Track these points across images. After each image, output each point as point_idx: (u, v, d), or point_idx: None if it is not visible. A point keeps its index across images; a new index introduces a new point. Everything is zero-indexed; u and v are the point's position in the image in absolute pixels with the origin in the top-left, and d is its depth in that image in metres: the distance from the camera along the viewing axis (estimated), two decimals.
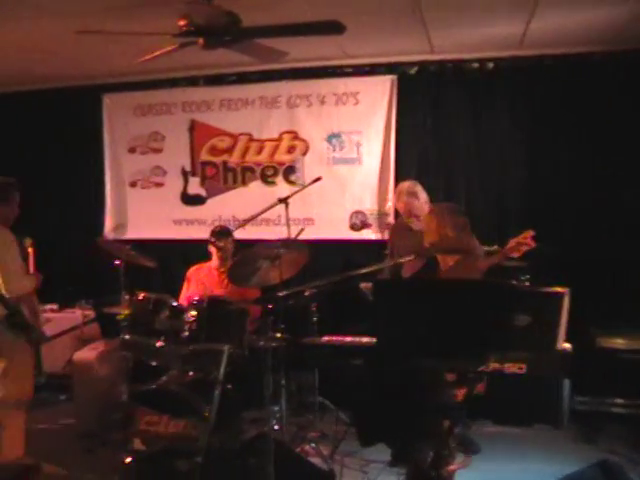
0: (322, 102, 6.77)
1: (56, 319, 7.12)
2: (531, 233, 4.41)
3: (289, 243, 4.70)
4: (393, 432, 3.81)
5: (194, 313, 4.85)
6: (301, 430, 5.40)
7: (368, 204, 6.66)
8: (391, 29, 5.76)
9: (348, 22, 4.38)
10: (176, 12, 4.47)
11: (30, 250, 5.13)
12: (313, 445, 5.14)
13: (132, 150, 7.42)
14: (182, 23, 4.44)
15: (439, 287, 3.46)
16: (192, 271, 6.14)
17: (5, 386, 4.84)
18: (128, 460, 4.77)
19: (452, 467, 4.26)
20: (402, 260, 4.75)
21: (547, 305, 3.23)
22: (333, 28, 4.39)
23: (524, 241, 4.43)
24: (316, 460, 4.87)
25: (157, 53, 4.93)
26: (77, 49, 5.99)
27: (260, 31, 4.56)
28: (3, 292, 4.75)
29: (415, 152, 6.69)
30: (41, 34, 5.61)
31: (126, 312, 5.24)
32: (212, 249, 6.03)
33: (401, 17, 5.41)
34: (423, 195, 5.65)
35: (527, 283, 4.35)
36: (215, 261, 6.04)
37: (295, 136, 6.85)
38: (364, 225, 6.60)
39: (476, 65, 6.50)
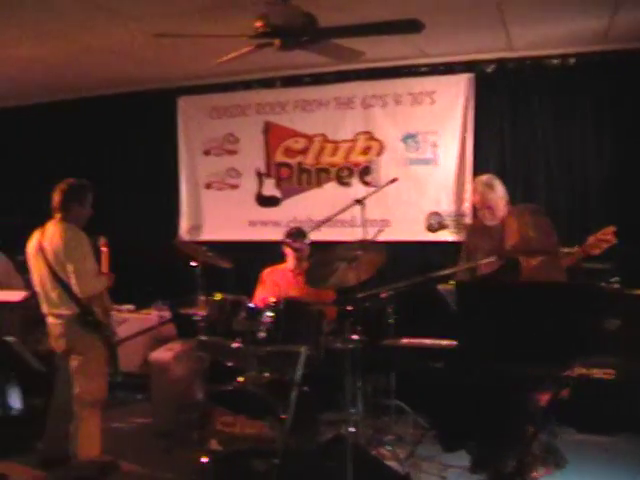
0: (397, 102, 6.69)
1: (132, 319, 7.22)
2: (612, 229, 4.27)
3: (367, 244, 4.64)
4: (475, 437, 3.74)
5: (271, 314, 4.85)
6: (377, 433, 5.34)
7: (445, 205, 6.56)
8: (469, 26, 5.65)
9: (425, 20, 4.30)
10: (253, 14, 4.47)
11: (104, 249, 5.19)
12: (389, 448, 5.08)
13: (207, 152, 7.48)
14: (259, 24, 4.43)
15: (525, 289, 3.37)
16: (266, 273, 6.14)
17: (79, 383, 4.94)
18: (205, 460, 4.79)
19: (535, 474, 4.16)
20: (483, 261, 4.64)
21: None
22: (411, 27, 4.32)
23: (604, 237, 4.28)
24: (392, 463, 4.79)
25: (233, 55, 4.94)
26: (153, 52, 6.08)
27: (337, 31, 4.52)
28: (76, 291, 4.84)
29: (493, 151, 6.55)
30: (118, 38, 5.69)
31: (203, 313, 5.28)
32: (287, 250, 6.02)
33: (479, 14, 5.31)
34: (500, 189, 5.50)
35: (617, 286, 4.19)
36: (290, 263, 6.02)
37: (370, 137, 6.79)
38: (441, 226, 6.48)
39: (557, 61, 6.32)
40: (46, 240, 4.91)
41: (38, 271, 4.99)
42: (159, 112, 7.62)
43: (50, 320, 5.01)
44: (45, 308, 5.01)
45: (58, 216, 4.95)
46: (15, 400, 6.32)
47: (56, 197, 4.96)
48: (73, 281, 4.81)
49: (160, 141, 7.65)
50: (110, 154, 7.85)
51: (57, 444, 5.17)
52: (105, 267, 5.15)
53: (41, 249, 4.93)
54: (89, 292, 4.85)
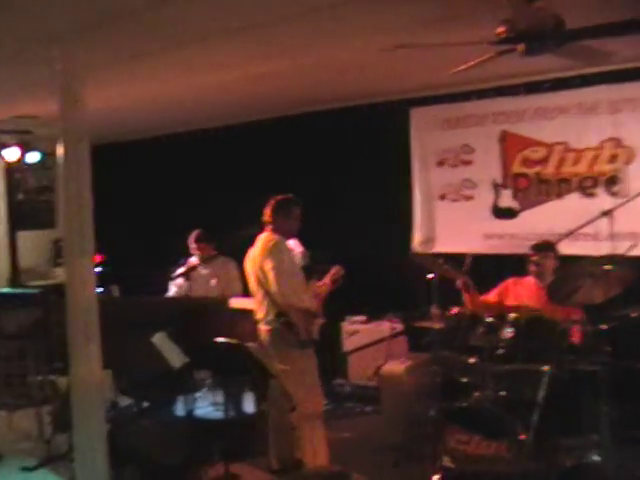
0: None
1: (364, 330, 7.32)
2: None
3: (616, 259, 4.32)
4: None
5: (511, 330, 4.67)
6: (628, 465, 4.93)
7: None
8: None
9: None
10: (493, 20, 4.31)
11: (333, 272, 5.36)
12: None
13: (441, 163, 7.39)
14: (501, 29, 4.26)
15: None
16: (511, 282, 5.96)
17: (293, 394, 5.13)
18: (436, 477, 4.70)
19: None
20: None
21: None
22: None
23: None
24: None
25: (472, 63, 4.80)
26: (386, 65, 6.04)
27: (588, 32, 4.23)
28: (272, 291, 4.99)
29: None
30: (350, 52, 5.69)
31: (438, 326, 5.21)
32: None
33: None
34: None
35: None
36: (531, 276, 5.81)
37: (618, 144, 6.31)
38: None
39: None
40: (255, 250, 5.21)
41: (250, 279, 5.27)
42: (392, 124, 7.61)
43: (260, 327, 5.21)
44: (257, 315, 5.23)
45: (268, 229, 5.22)
46: (249, 404, 6.61)
47: (266, 211, 5.25)
48: (270, 279, 4.97)
49: (393, 153, 7.64)
50: (343, 167, 7.95)
51: (284, 450, 5.33)
52: (324, 288, 5.30)
53: (251, 258, 5.23)
54: (289, 298, 4.97)
